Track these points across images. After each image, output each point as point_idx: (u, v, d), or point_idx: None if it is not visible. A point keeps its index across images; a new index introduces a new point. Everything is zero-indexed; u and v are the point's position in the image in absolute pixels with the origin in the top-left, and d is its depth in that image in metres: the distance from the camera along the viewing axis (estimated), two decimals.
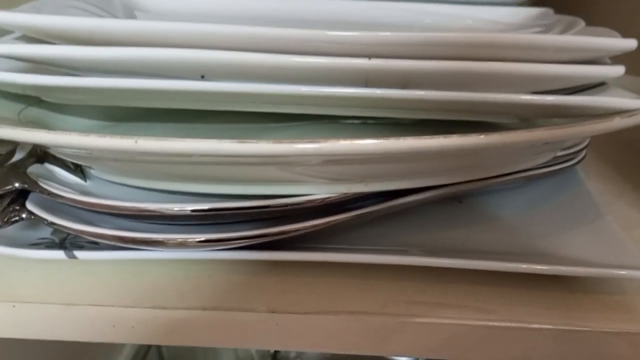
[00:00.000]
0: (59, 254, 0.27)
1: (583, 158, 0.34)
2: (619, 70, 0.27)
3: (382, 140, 0.22)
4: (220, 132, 0.33)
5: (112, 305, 0.27)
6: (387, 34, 0.26)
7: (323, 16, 0.41)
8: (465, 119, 0.30)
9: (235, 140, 0.21)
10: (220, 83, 0.27)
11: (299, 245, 0.28)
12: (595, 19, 0.33)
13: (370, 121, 0.34)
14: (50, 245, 0.28)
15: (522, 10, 0.41)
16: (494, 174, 0.29)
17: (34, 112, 0.30)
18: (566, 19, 0.36)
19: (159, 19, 0.37)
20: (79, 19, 0.26)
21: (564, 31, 0.34)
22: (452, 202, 0.33)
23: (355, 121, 0.34)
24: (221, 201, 0.25)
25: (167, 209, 0.24)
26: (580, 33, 0.32)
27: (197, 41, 0.26)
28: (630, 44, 0.27)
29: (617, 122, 0.24)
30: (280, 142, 0.21)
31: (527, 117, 0.32)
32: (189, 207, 0.24)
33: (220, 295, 0.27)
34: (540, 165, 0.32)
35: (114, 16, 0.36)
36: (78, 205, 0.25)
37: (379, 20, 0.41)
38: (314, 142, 0.21)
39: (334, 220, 0.26)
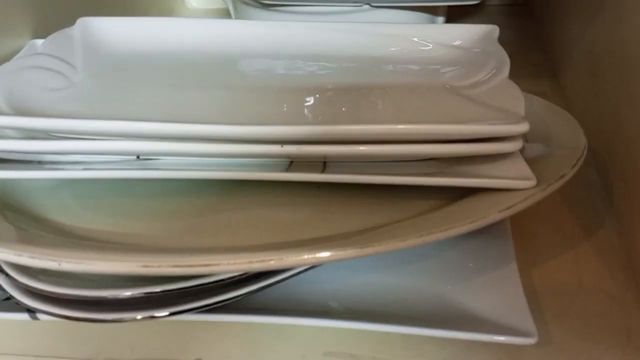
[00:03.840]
0: (24, 317, 0.31)
1: None
2: (514, 146, 0.29)
3: None
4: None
5: (71, 358, 0.32)
6: (300, 127, 0.29)
7: (271, 42, 0.43)
8: None
9: (140, 265, 0.24)
10: (151, 172, 0.30)
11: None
12: None
13: None
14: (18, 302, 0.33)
15: (471, 30, 0.42)
16: None
17: None
18: (499, 57, 0.37)
19: (120, 57, 0.41)
20: (38, 120, 0.29)
21: (488, 75, 0.36)
22: None
23: None
24: (169, 283, 0.28)
25: (120, 295, 0.28)
26: (496, 86, 0.34)
27: (134, 133, 0.29)
28: (522, 128, 0.29)
29: (494, 217, 0.27)
30: (179, 266, 0.24)
31: None
32: (142, 290, 0.28)
33: (161, 348, 0.32)
34: None
35: (72, 65, 0.39)
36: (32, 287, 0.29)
37: (326, 44, 0.42)
38: (208, 266, 0.25)
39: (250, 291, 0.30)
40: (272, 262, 0.24)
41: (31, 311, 0.32)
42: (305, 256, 0.25)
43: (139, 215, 0.33)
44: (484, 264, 0.34)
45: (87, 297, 0.29)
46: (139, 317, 0.29)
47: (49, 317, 0.31)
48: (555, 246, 0.37)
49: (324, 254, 0.24)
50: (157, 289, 0.29)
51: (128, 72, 0.40)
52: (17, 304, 0.32)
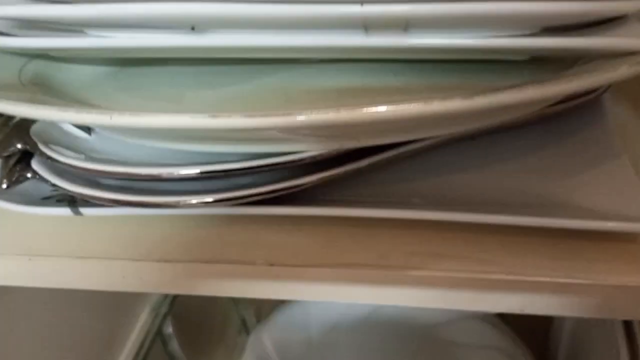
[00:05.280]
0: (65, 211, 0.28)
1: (608, 88, 0.32)
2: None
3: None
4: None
5: (122, 259, 0.28)
6: None
7: None
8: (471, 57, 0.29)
9: (207, 115, 0.20)
10: (212, 36, 0.26)
11: (299, 198, 0.27)
12: None
13: None
14: (60, 199, 0.29)
15: None
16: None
17: (36, 66, 0.30)
18: None
19: None
20: None
21: None
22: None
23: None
24: (226, 162, 0.25)
25: (176, 173, 0.25)
26: None
27: None
28: None
29: (624, 71, 0.22)
30: (253, 116, 0.20)
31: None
32: (196, 169, 0.25)
33: (221, 249, 0.28)
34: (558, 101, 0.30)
35: None
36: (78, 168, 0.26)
37: None
38: (289, 114, 0.20)
39: (326, 177, 0.26)
40: (361, 109, 0.20)
41: (73, 204, 0.28)
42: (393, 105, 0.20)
43: (190, 104, 0.29)
44: (589, 157, 0.29)
45: (140, 175, 0.25)
46: (194, 201, 0.25)
47: (92, 212, 0.28)
48: None
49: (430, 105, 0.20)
50: (218, 167, 0.25)
51: None
52: (58, 201, 0.29)
